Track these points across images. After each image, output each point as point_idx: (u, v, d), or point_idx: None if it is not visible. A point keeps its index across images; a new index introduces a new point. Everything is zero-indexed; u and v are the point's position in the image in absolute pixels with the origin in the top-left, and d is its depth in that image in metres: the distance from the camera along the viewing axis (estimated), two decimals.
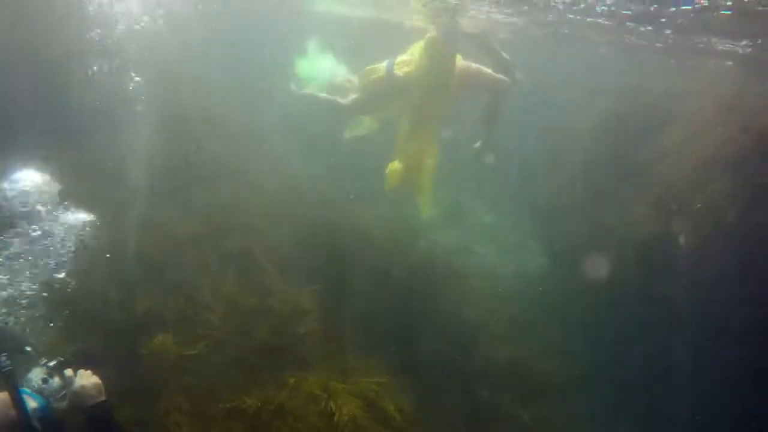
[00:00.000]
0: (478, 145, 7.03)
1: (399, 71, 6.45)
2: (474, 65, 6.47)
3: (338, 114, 7.41)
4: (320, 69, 7.52)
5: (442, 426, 6.08)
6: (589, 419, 7.41)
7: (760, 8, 6.60)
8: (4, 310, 3.42)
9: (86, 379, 3.07)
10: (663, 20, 7.71)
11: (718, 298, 7.21)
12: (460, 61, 6.42)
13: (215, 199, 7.64)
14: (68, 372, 3.04)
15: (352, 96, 6.97)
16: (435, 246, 9.25)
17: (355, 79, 7.21)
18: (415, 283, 7.74)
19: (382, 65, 6.63)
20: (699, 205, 7.44)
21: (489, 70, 6.48)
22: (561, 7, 8.12)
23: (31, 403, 2.90)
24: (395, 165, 6.83)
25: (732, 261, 7.10)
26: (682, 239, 7.42)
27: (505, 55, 6.58)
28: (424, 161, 6.72)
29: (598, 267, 8.54)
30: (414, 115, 6.61)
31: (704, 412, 6.98)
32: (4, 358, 2.88)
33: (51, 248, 3.80)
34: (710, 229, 7.23)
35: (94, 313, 5.26)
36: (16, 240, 3.66)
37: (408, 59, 6.47)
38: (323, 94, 7.26)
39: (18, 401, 2.83)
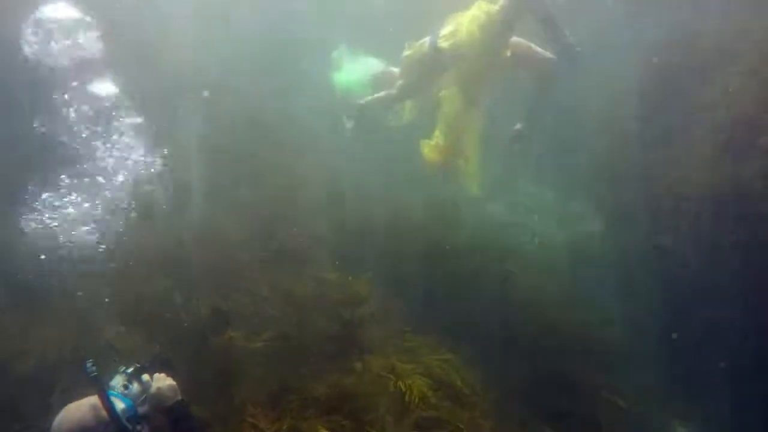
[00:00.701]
0: (517, 127, 6.66)
1: (444, 44, 6.17)
2: (524, 42, 6.12)
3: (393, 105, 7.22)
4: (355, 75, 7.44)
5: (511, 397, 6.04)
6: (654, 387, 7.22)
7: None
8: None
9: (162, 381, 3.23)
10: None
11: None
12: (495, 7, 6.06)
13: (264, 194, 7.77)
14: (145, 377, 3.22)
15: (398, 83, 6.81)
16: (484, 221, 9.15)
17: (394, 69, 7.06)
18: (467, 260, 7.68)
19: (425, 41, 6.41)
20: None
21: (539, 49, 6.11)
22: None
23: (119, 405, 3.08)
24: (436, 140, 6.67)
25: None
26: (752, 185, 6.92)
27: (565, 31, 5.99)
28: (469, 136, 6.55)
29: (655, 230, 8.23)
30: (460, 88, 6.36)
31: None
32: (90, 364, 3.06)
33: None
34: None
35: (161, 316, 5.46)
36: None
37: (454, 30, 6.16)
38: (371, 97, 7.14)
39: (108, 403, 3.02)
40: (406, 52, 6.63)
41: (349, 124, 7.68)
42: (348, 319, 6.12)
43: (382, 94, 7.02)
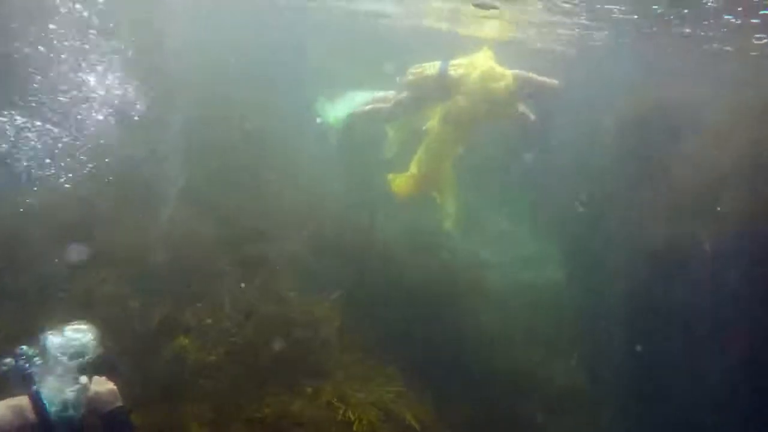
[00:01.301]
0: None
1: (454, 72, 6.32)
2: (523, 72, 6.31)
3: (386, 120, 7.18)
4: (346, 109, 7.44)
5: None
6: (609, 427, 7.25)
7: None
8: None
9: (101, 385, 3.08)
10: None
11: (743, 304, 6.97)
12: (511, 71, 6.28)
13: (236, 205, 7.67)
14: (83, 378, 3.03)
15: (395, 99, 6.80)
16: (452, 254, 9.19)
17: (386, 93, 7.10)
18: (433, 292, 7.68)
19: (433, 64, 6.51)
20: (720, 209, 7.21)
21: (539, 77, 6.30)
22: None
23: (50, 407, 2.90)
24: (412, 171, 6.71)
25: (756, 266, 6.86)
26: (705, 245, 7.20)
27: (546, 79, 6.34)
28: (446, 173, 6.60)
29: (617, 274, 8.37)
30: (450, 120, 6.44)
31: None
32: (23, 362, 2.90)
33: None
34: (734, 233, 7.00)
35: (112, 318, 5.29)
36: None
37: (467, 64, 6.32)
38: (361, 108, 7.16)
39: (38, 405, 2.85)
40: (411, 71, 6.69)
41: (333, 138, 7.64)
42: (305, 341, 6.02)
43: (373, 106, 7.01)
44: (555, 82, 6.21)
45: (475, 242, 10.79)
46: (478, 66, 6.22)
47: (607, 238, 8.65)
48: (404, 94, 6.68)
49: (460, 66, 6.35)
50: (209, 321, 5.94)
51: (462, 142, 6.69)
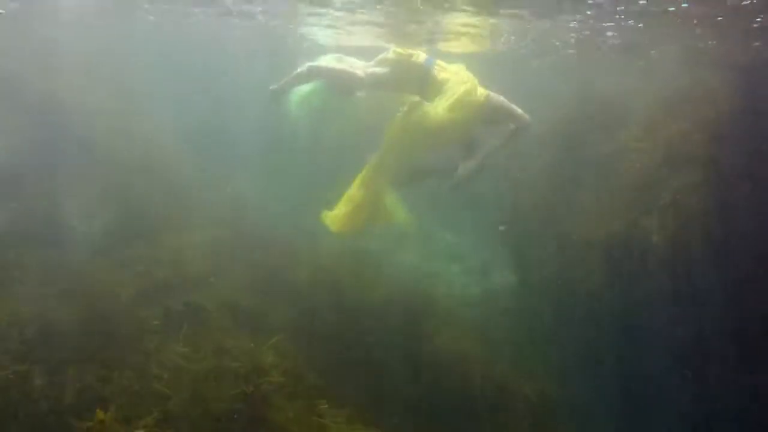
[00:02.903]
0: (461, 172, 6.25)
1: (439, 72, 5.85)
2: (497, 97, 5.89)
3: (354, 86, 6.26)
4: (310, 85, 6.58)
5: None
6: None
7: None
8: None
9: None
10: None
11: (700, 296, 6.92)
12: (484, 91, 5.86)
13: (158, 251, 6.90)
14: None
15: (373, 69, 6.10)
16: (400, 274, 8.77)
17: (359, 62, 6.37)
18: (384, 318, 7.20)
19: (418, 53, 5.99)
20: (665, 201, 7.18)
21: (511, 105, 5.88)
22: None
23: None
24: (346, 206, 6.03)
25: (707, 255, 6.84)
26: (654, 237, 7.11)
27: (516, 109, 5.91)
28: (386, 193, 6.03)
29: (568, 275, 8.21)
30: (413, 144, 5.86)
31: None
32: None
33: None
34: (680, 224, 6.97)
35: (10, 407, 4.44)
36: None
37: (451, 70, 5.86)
38: (336, 65, 6.25)
39: None
40: (396, 50, 6.10)
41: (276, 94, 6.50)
42: (250, 394, 5.34)
43: (346, 68, 6.16)
44: (526, 117, 5.83)
45: (422, 257, 10.46)
46: (461, 78, 5.80)
47: (556, 239, 8.50)
48: (383, 69, 6.04)
49: (443, 69, 5.92)
50: (135, 386, 5.18)
51: (413, 159, 6.14)
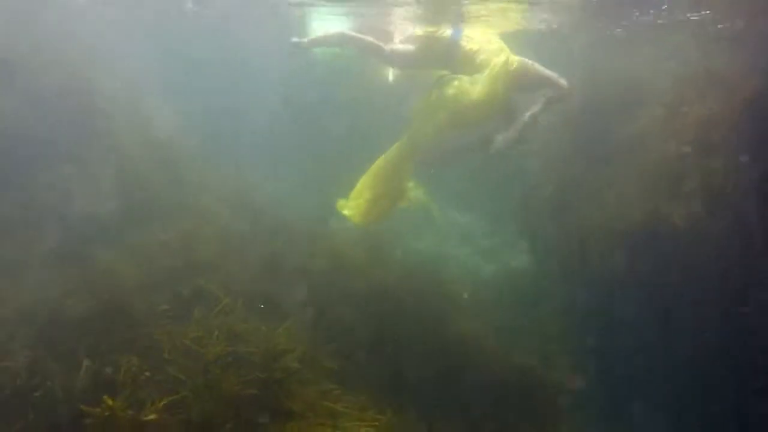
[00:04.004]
0: (498, 144, 6.01)
1: (466, 43, 5.61)
2: (531, 64, 5.64)
3: (382, 59, 6.05)
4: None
5: None
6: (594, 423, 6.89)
7: None
8: None
9: None
10: None
11: (717, 283, 6.67)
12: (516, 58, 5.60)
13: (168, 237, 6.79)
14: None
15: (401, 45, 5.96)
16: (414, 257, 8.62)
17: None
18: (398, 301, 7.08)
19: (443, 30, 5.82)
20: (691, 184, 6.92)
21: (547, 71, 5.63)
22: None
23: None
24: (364, 196, 5.83)
25: (730, 240, 6.59)
26: (675, 221, 6.88)
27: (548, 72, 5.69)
28: (405, 183, 5.84)
29: (587, 259, 8.02)
30: (448, 124, 5.63)
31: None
32: None
33: None
34: (704, 208, 6.72)
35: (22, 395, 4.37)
36: None
37: (477, 40, 5.65)
38: (366, 37, 6.10)
39: None
40: (422, 29, 5.93)
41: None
42: (264, 379, 5.25)
43: (375, 40, 6.02)
44: (563, 82, 5.56)
45: (436, 239, 10.30)
46: (493, 48, 5.57)
47: (571, 221, 8.30)
48: (409, 47, 5.89)
49: (471, 40, 5.70)
50: (148, 372, 5.10)
51: (450, 137, 5.92)
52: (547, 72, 5.61)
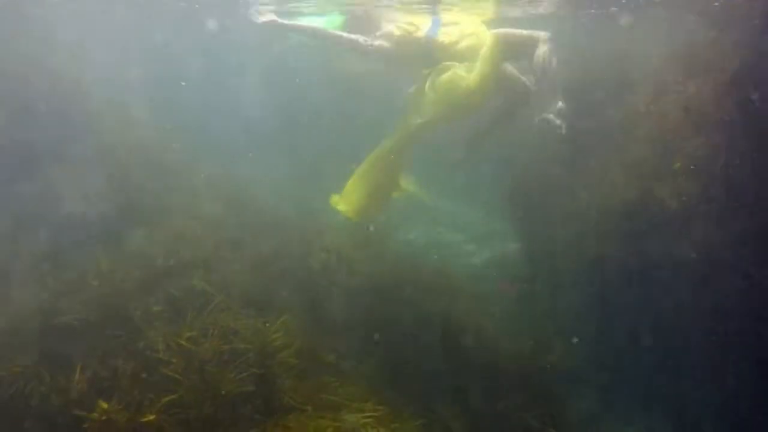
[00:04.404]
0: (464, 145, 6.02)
1: (444, 38, 5.49)
2: (503, 31, 5.53)
3: (360, 54, 5.84)
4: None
5: None
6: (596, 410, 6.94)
7: None
8: None
9: None
10: None
11: (710, 269, 6.60)
12: (494, 32, 5.51)
13: (158, 238, 6.72)
14: None
15: (379, 41, 5.79)
16: (408, 247, 8.61)
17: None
18: (391, 290, 7.06)
19: (418, 28, 5.69)
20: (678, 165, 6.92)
21: (519, 31, 5.50)
22: None
23: None
24: (358, 192, 5.77)
25: (725, 222, 6.58)
26: (666, 203, 6.88)
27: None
28: (398, 175, 5.78)
29: (578, 244, 8.03)
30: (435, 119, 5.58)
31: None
32: None
33: None
34: (695, 190, 6.72)
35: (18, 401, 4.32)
36: None
37: (458, 33, 5.54)
38: (342, 33, 5.75)
39: None
40: (400, 26, 5.78)
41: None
42: (261, 374, 5.23)
43: (353, 36, 5.86)
44: (540, 33, 5.48)
45: (427, 229, 10.29)
46: (470, 32, 5.49)
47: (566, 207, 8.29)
48: (386, 44, 5.73)
49: (449, 33, 5.61)
50: (143, 375, 5.06)
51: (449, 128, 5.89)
52: (524, 32, 5.54)
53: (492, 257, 9.93)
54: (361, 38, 5.68)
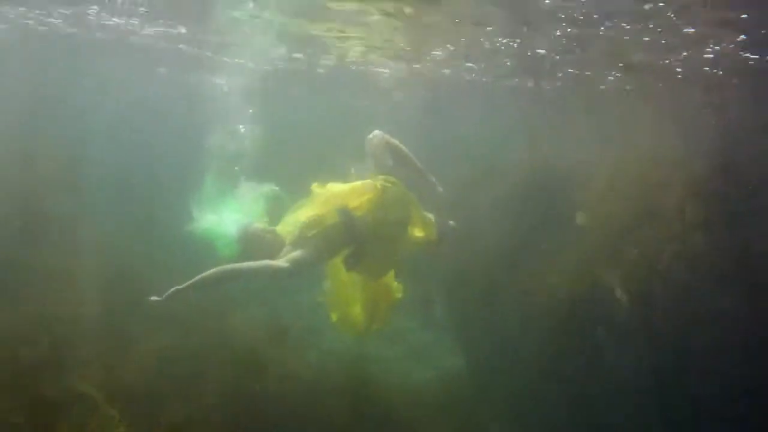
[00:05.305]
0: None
1: (358, 212, 4.97)
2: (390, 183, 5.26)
3: (280, 279, 5.06)
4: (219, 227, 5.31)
5: None
6: None
7: None
8: None
9: None
10: None
11: (668, 354, 6.37)
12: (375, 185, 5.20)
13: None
14: None
15: (293, 253, 4.86)
16: (335, 361, 7.63)
17: (273, 230, 5.29)
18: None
19: (329, 210, 5.05)
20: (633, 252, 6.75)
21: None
22: None
23: None
24: (359, 315, 5.21)
25: (674, 312, 6.30)
26: (617, 292, 6.54)
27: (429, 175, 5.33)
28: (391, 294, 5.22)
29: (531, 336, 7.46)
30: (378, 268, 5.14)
31: None
32: None
33: None
34: (645, 277, 6.46)
35: None
36: None
37: (362, 198, 5.10)
38: (251, 263, 4.90)
39: None
40: (306, 223, 5.06)
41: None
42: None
43: (263, 263, 4.79)
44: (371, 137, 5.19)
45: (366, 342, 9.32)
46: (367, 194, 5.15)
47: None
48: (306, 252, 4.94)
49: (355, 197, 5.19)
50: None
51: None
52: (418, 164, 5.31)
53: (434, 377, 8.97)
54: (272, 261, 4.91)
